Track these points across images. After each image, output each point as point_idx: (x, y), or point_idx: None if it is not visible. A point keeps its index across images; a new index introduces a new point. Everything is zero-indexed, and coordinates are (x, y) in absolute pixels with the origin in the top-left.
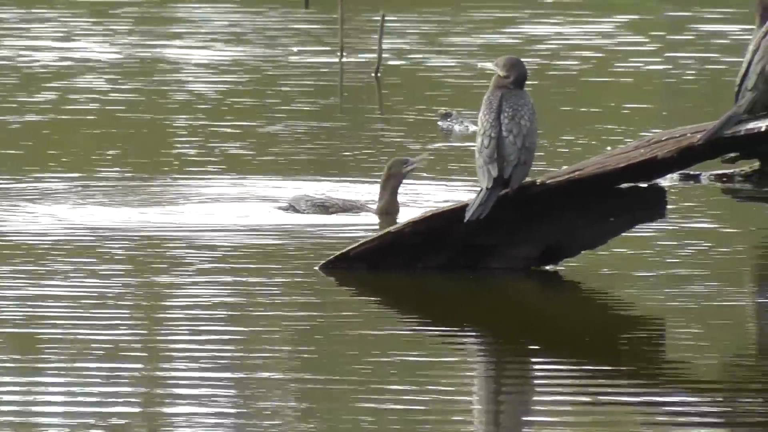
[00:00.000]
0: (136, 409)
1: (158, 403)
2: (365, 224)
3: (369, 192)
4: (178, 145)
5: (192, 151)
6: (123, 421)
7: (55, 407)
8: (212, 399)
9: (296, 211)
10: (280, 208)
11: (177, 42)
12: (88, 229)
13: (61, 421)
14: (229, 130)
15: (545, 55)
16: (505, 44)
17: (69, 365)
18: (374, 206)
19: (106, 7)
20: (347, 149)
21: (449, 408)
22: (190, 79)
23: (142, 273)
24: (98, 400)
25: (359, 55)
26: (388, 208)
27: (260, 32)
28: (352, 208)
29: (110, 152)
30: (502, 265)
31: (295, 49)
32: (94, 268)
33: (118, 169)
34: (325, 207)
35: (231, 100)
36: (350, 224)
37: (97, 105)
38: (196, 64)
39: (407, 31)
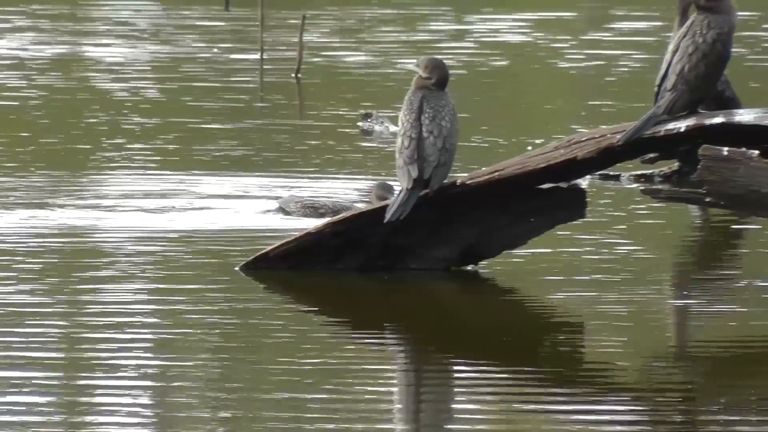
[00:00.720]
0: (55, 418)
1: (76, 411)
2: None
3: (353, 192)
4: (97, 143)
5: (110, 149)
6: (44, 430)
7: None
8: (132, 404)
9: (286, 213)
10: (270, 210)
11: (97, 40)
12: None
13: None
14: (148, 127)
15: (466, 52)
16: (426, 41)
17: None
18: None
19: (26, 3)
20: (266, 149)
21: (368, 410)
22: (110, 77)
23: (58, 276)
24: (8, 409)
25: (280, 54)
26: None
27: (181, 30)
28: (342, 209)
29: (29, 149)
30: (421, 265)
31: (215, 48)
32: (18, 267)
33: (34, 168)
34: (315, 209)
35: (149, 97)
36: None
37: (12, 102)
38: (114, 62)
39: (329, 29)
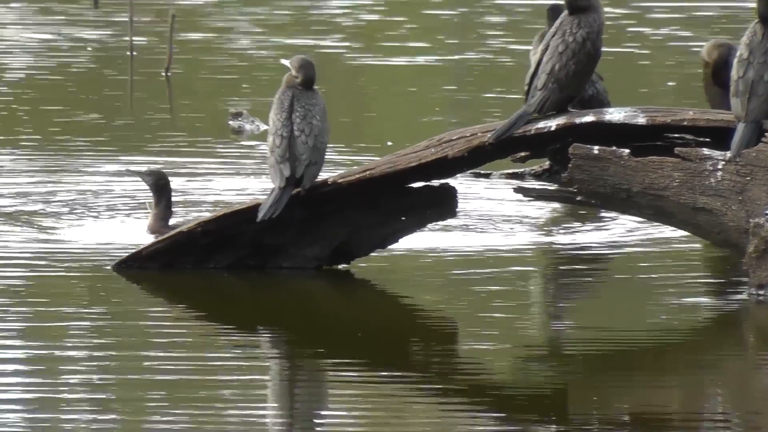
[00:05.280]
0: None
1: None
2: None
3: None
4: None
5: None
6: None
7: None
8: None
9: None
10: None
11: None
12: None
13: None
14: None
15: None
16: (300, 45)
17: None
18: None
19: None
20: (135, 150)
21: (239, 406)
22: None
23: None
24: None
25: (148, 54)
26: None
27: (50, 28)
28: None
29: None
30: (293, 264)
31: (89, 48)
32: None
33: None
34: None
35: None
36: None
37: None
38: None
39: (199, 26)
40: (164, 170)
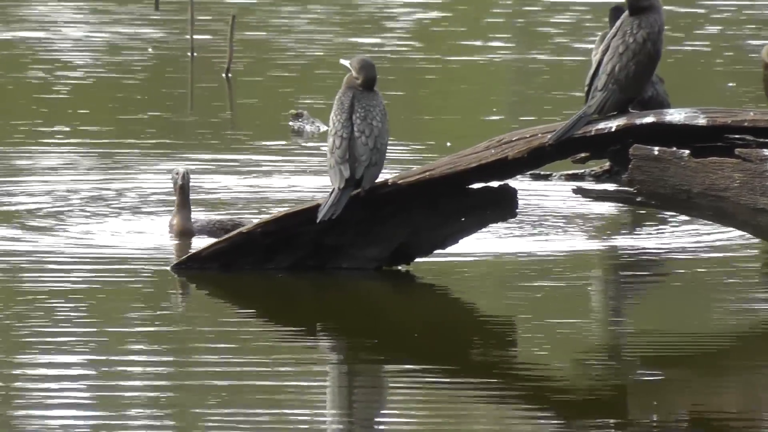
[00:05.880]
0: None
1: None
2: None
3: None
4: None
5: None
6: None
7: None
8: (72, 404)
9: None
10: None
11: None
12: None
13: None
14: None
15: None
16: (363, 44)
17: None
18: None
19: None
20: (201, 152)
21: (301, 407)
22: (46, 85)
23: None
24: None
25: (209, 53)
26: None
27: (112, 28)
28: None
29: None
30: (352, 265)
31: (150, 49)
32: None
33: None
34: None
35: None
36: None
37: None
38: (51, 61)
39: (260, 27)
40: (222, 169)
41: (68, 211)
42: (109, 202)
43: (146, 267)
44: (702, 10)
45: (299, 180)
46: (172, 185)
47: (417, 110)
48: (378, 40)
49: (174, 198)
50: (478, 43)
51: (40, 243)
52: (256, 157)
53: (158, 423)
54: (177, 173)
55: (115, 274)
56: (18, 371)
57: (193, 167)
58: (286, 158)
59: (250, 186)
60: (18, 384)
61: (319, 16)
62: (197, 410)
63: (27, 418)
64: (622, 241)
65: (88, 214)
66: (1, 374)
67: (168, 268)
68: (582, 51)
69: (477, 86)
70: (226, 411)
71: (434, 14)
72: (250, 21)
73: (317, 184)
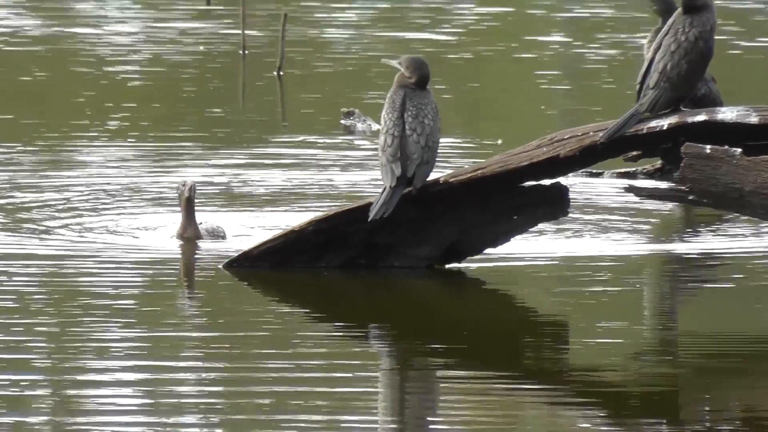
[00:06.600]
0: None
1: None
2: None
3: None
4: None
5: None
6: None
7: None
8: (122, 405)
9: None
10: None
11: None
12: None
13: None
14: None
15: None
16: (410, 41)
17: None
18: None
19: None
20: (251, 147)
21: (353, 407)
22: (105, 80)
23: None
24: None
25: (261, 49)
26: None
27: (164, 25)
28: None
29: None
30: (404, 264)
31: (201, 47)
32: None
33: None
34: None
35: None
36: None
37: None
38: (102, 58)
39: (312, 25)
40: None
41: (115, 207)
42: (158, 199)
43: (198, 266)
44: (761, 6)
45: (351, 177)
46: (177, 197)
47: (468, 108)
48: (429, 36)
49: (179, 209)
50: (531, 38)
51: (89, 242)
52: (306, 151)
53: (210, 431)
54: (184, 184)
55: (167, 276)
56: (68, 376)
57: (243, 162)
58: (338, 153)
59: (300, 182)
60: (70, 392)
61: (374, 14)
62: (249, 417)
63: (79, 425)
64: (676, 242)
65: (138, 211)
66: (52, 380)
67: (220, 266)
68: (633, 47)
69: (528, 83)
70: (278, 417)
71: (486, 9)
72: (303, 16)
73: (369, 181)
